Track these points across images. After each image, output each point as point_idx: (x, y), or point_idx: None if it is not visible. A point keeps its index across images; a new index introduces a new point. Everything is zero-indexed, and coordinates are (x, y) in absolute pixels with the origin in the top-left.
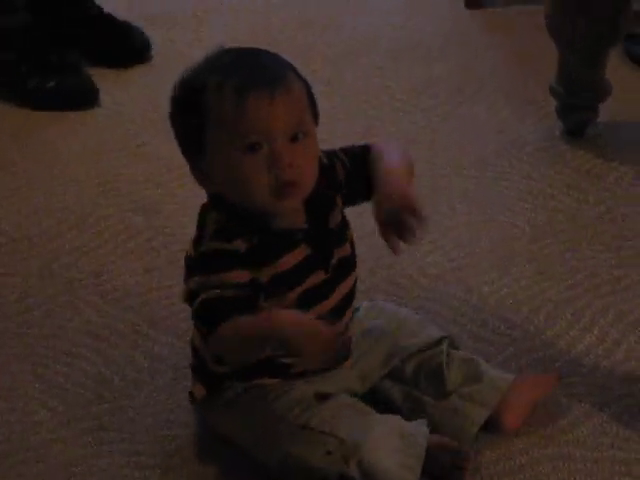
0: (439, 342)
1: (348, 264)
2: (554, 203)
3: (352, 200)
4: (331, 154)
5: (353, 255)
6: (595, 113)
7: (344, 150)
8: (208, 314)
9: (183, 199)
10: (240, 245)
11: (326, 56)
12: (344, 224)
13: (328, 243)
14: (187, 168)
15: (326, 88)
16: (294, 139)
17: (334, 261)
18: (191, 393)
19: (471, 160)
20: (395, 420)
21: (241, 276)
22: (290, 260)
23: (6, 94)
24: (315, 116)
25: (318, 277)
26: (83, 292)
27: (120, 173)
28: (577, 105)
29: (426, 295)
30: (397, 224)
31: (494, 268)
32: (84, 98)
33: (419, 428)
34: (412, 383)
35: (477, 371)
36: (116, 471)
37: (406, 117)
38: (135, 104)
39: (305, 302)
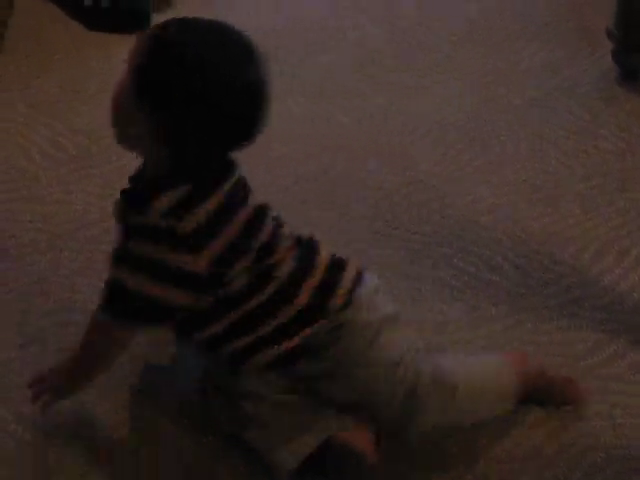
0: None
1: None
2: (605, 144)
3: None
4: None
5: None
6: None
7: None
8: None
9: None
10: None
11: None
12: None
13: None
14: None
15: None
16: None
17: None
18: None
19: (523, 99)
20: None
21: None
22: None
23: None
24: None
25: None
26: None
27: None
28: (633, 48)
29: (473, 228)
30: None
31: (543, 205)
32: (136, 20)
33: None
34: None
35: None
36: None
37: (461, 51)
38: None
39: None
